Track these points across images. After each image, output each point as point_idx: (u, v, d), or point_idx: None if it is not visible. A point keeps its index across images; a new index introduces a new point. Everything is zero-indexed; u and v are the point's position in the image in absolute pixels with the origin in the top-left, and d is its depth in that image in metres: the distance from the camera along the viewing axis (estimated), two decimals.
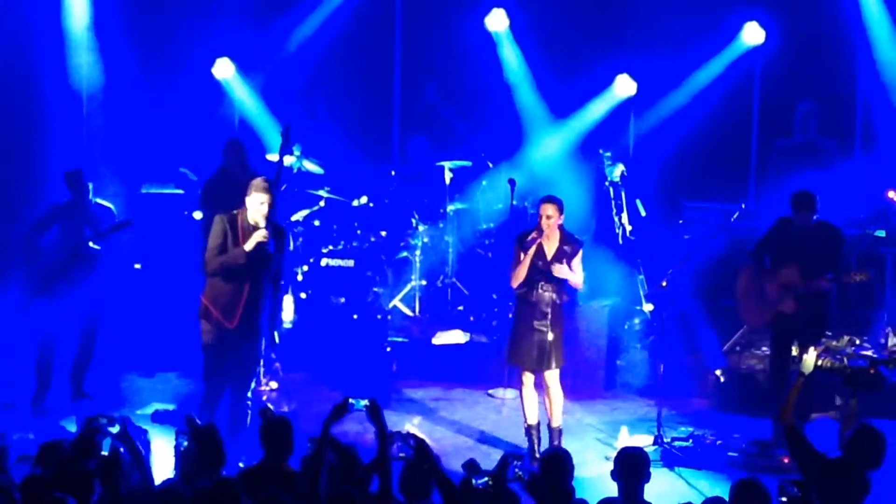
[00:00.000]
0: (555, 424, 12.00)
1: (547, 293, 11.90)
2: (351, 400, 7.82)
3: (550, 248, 11.93)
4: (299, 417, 12.44)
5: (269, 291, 11.49)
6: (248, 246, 11.24)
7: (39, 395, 13.12)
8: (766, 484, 7.90)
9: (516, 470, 7.74)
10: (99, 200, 13.17)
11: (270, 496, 7.29)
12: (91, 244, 12.90)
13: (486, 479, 7.73)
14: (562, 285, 11.96)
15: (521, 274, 11.90)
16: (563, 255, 11.91)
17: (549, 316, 11.88)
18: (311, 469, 7.73)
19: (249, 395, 11.81)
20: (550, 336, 11.86)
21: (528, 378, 12.04)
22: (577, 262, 11.96)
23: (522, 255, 11.90)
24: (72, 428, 10.88)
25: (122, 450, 8.08)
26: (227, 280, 11.35)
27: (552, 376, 11.96)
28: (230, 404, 11.48)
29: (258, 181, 11.42)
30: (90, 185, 13.07)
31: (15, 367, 13.74)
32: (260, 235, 11.24)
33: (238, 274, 11.30)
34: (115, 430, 8.16)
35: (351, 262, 15.69)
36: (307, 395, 13.34)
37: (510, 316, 12.62)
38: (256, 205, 11.29)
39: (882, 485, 8.76)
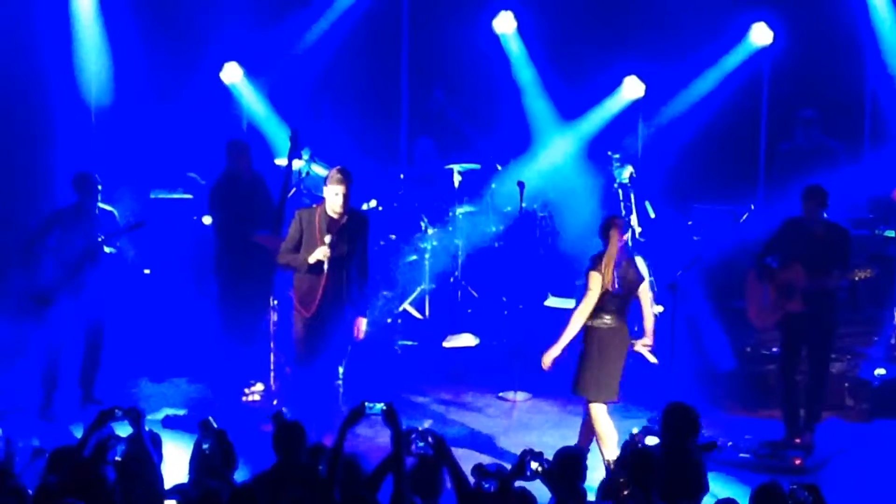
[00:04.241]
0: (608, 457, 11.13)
1: None
2: (367, 404, 7.83)
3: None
4: None
5: (353, 279, 11.77)
6: (312, 259, 11.61)
7: (46, 400, 13.12)
8: None
9: (535, 467, 7.74)
10: (101, 205, 13.17)
11: (292, 500, 7.29)
12: (106, 247, 12.92)
13: (495, 480, 7.76)
14: None
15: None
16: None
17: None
18: (327, 472, 7.74)
19: (339, 382, 12.10)
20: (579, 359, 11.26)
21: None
22: None
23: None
24: (80, 434, 10.87)
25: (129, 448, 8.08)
26: (306, 271, 11.70)
27: (590, 407, 11.26)
28: (318, 390, 11.78)
29: (333, 172, 11.83)
30: (99, 188, 13.08)
31: (25, 372, 13.74)
32: (321, 253, 11.58)
33: (316, 266, 11.63)
34: (127, 427, 8.18)
35: None
36: None
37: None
38: (332, 196, 11.70)
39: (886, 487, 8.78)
